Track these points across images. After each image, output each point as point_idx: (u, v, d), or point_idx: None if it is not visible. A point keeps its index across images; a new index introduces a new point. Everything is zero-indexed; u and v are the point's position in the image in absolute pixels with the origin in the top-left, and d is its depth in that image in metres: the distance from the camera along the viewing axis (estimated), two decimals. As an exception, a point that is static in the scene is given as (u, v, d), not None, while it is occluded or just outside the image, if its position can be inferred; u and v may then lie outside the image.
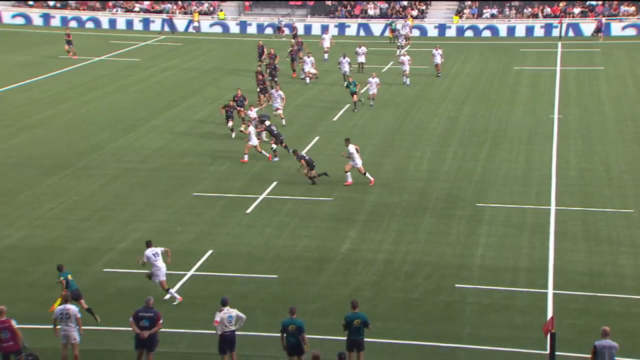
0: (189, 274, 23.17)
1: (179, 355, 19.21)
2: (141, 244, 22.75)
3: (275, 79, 43.14)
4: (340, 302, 21.03)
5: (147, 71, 49.73)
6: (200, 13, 66.19)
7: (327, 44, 52.43)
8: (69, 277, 20.77)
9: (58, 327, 18.33)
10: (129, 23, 65.81)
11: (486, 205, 27.62)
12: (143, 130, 36.97)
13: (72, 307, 18.44)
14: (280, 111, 37.17)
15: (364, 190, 29.06)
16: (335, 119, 38.68)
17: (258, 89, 40.18)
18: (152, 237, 24.10)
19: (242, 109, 36.00)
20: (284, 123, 36.92)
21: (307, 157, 30.20)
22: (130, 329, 18.27)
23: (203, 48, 58.12)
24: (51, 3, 69.14)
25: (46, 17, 67.21)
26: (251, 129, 32.56)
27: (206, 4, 67.57)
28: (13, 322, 17.88)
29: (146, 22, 65.66)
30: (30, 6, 68.87)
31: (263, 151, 32.60)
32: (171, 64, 52.00)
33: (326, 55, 52.16)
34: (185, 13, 67.13)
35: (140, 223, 26.65)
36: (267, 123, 33.43)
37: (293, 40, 51.48)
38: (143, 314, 18.31)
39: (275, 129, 33.18)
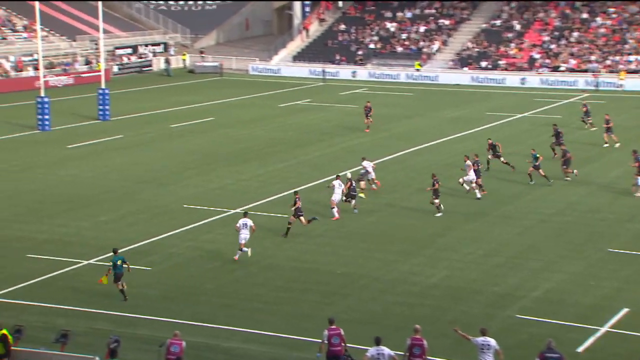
0: (603, 330, 20.13)
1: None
2: (554, 293, 20.56)
3: None
4: None
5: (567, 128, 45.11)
6: (627, 72, 60.89)
7: None
8: (119, 262, 21.90)
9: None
10: (555, 82, 62.40)
11: None
12: (559, 185, 33.57)
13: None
14: None
15: None
16: None
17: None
18: (565, 288, 21.68)
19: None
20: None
21: None
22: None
23: (626, 105, 53.08)
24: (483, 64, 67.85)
25: (475, 78, 65.61)
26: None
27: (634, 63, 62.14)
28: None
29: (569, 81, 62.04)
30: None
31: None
32: (595, 120, 46.06)
33: None
34: (612, 72, 62.15)
35: (552, 273, 24.03)
36: None
37: None
38: (549, 355, 16.36)
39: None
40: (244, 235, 25.22)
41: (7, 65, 60.09)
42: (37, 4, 47.07)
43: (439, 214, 29.65)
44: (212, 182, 33.78)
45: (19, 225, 28.06)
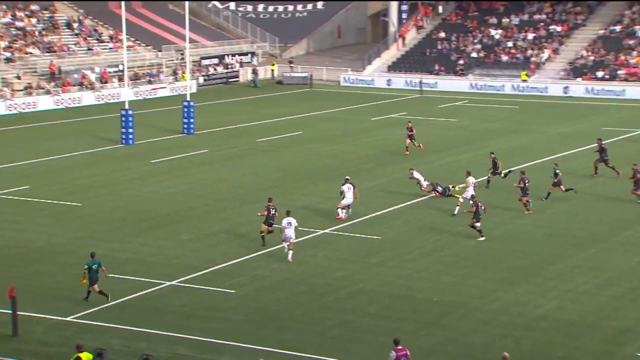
0: None
1: None
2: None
3: None
4: None
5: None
6: None
7: None
8: (94, 266, 23.37)
9: None
10: None
11: None
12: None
13: None
14: None
15: None
16: None
17: None
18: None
19: None
20: None
21: None
22: None
23: None
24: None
25: (590, 89, 63.94)
26: None
27: None
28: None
29: None
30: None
31: None
32: None
33: None
34: None
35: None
36: None
37: None
38: None
39: None
40: (290, 233, 27.05)
41: (92, 77, 62.48)
42: (123, 12, 48.64)
43: (481, 239, 29.01)
44: (299, 201, 33.87)
45: (101, 244, 28.72)
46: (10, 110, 55.43)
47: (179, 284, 25.10)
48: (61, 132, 49.60)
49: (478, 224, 29.12)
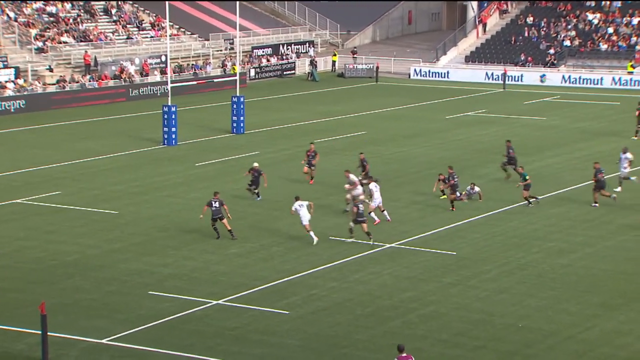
0: None
1: None
2: None
3: None
4: None
5: None
6: None
7: None
8: None
9: None
10: None
11: None
12: None
13: None
14: None
15: None
16: None
17: None
18: None
19: None
20: None
21: None
22: None
23: None
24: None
25: None
26: None
27: None
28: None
29: None
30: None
31: None
32: None
33: None
34: None
35: None
36: None
37: None
38: None
39: None
40: (305, 215, 29.95)
41: (132, 69, 63.60)
42: (165, -3, 49.59)
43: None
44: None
45: (139, 257, 29.20)
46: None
47: (227, 303, 25.34)
48: (97, 131, 50.57)
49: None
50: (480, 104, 59.79)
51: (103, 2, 71.41)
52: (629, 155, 37.01)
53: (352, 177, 33.73)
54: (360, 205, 30.43)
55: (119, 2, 72.05)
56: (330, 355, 22.16)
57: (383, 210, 32.88)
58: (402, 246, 30.37)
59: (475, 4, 77.77)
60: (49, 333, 21.82)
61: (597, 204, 34.57)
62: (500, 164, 39.09)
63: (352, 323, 24.10)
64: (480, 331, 23.51)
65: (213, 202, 30.51)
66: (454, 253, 29.50)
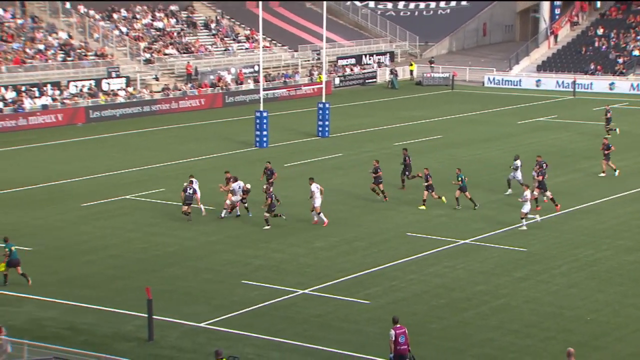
0: None
1: None
2: None
3: None
4: None
5: None
6: None
7: None
8: (13, 248, 25.72)
9: None
10: None
11: None
12: None
13: None
14: None
15: None
16: None
17: None
18: None
19: None
20: None
21: None
22: None
23: None
24: None
25: None
26: None
27: None
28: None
29: None
30: None
31: None
32: None
33: None
34: None
35: None
36: None
37: None
38: None
39: None
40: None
41: (228, 78, 64.32)
42: (260, 12, 49.65)
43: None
44: (438, 208, 33.79)
45: (234, 249, 29.51)
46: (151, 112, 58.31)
47: (312, 292, 25.45)
48: (196, 135, 51.26)
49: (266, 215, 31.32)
50: (550, 110, 58.68)
51: (204, 17, 72.80)
52: None
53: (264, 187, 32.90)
54: (274, 195, 31.56)
55: (218, 17, 73.25)
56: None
57: (319, 213, 32.25)
58: (476, 242, 30.01)
59: (547, 17, 76.52)
60: (153, 316, 22.38)
61: None
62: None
63: (427, 313, 23.95)
64: (550, 323, 23.09)
65: (187, 189, 32.21)
66: (525, 249, 29.06)
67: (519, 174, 35.71)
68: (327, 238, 30.59)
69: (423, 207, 33.90)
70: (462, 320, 23.41)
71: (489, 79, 71.16)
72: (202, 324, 23.19)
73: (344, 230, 31.43)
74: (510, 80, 70.45)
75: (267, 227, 31.49)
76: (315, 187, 32.06)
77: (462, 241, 29.95)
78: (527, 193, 31.33)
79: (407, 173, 37.18)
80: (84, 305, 24.47)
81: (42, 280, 26.38)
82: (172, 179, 39.52)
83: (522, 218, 31.40)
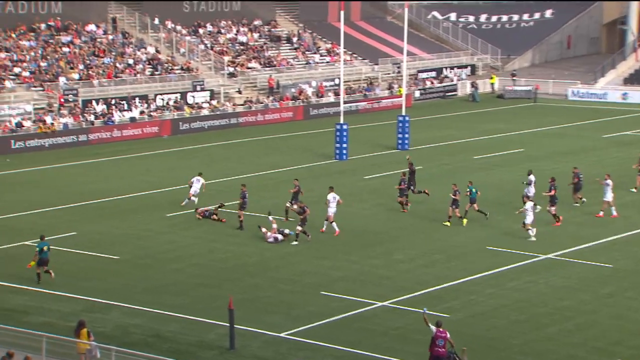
0: None
1: None
2: None
3: None
4: None
5: None
6: None
7: None
8: (45, 247, 26.50)
9: None
10: None
11: None
12: None
13: None
14: None
15: None
16: None
17: None
18: None
19: None
20: None
21: None
22: None
23: None
24: None
25: None
26: None
27: None
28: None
29: None
30: None
31: None
32: None
33: None
34: None
35: None
36: None
37: None
38: None
39: None
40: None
41: (309, 91, 64.70)
42: (342, 26, 49.81)
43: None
44: (517, 222, 33.07)
45: (312, 260, 29.62)
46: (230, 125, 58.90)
47: (391, 304, 25.38)
48: (278, 147, 51.55)
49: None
50: (637, 124, 57.31)
51: (286, 32, 73.48)
52: None
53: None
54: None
55: (300, 31, 73.80)
56: (488, 357, 21.75)
57: (332, 222, 32.33)
58: (558, 257, 29.50)
59: (635, 29, 74.65)
60: (235, 325, 22.57)
61: None
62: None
63: (508, 327, 23.61)
64: (637, 341, 22.55)
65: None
66: (611, 265, 28.43)
67: (532, 189, 35.00)
68: (405, 251, 30.46)
69: (448, 224, 33.46)
70: (544, 336, 23.02)
71: (572, 91, 69.69)
72: (282, 334, 23.33)
73: (422, 243, 31.26)
74: (595, 94, 68.90)
75: (295, 242, 31.38)
76: (331, 197, 32.56)
77: (544, 256, 29.45)
78: (528, 205, 31.45)
79: (412, 186, 36.90)
80: (169, 314, 24.89)
81: (129, 288, 26.96)
82: (254, 189, 39.67)
83: (528, 230, 31.36)
